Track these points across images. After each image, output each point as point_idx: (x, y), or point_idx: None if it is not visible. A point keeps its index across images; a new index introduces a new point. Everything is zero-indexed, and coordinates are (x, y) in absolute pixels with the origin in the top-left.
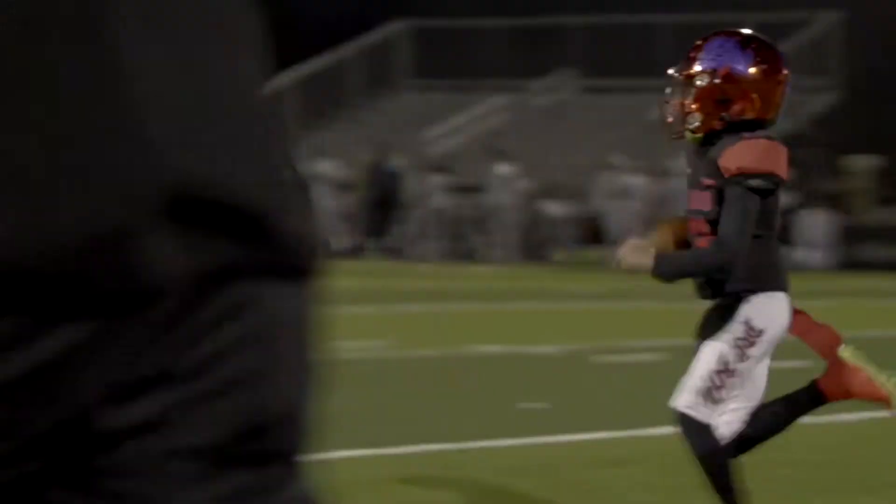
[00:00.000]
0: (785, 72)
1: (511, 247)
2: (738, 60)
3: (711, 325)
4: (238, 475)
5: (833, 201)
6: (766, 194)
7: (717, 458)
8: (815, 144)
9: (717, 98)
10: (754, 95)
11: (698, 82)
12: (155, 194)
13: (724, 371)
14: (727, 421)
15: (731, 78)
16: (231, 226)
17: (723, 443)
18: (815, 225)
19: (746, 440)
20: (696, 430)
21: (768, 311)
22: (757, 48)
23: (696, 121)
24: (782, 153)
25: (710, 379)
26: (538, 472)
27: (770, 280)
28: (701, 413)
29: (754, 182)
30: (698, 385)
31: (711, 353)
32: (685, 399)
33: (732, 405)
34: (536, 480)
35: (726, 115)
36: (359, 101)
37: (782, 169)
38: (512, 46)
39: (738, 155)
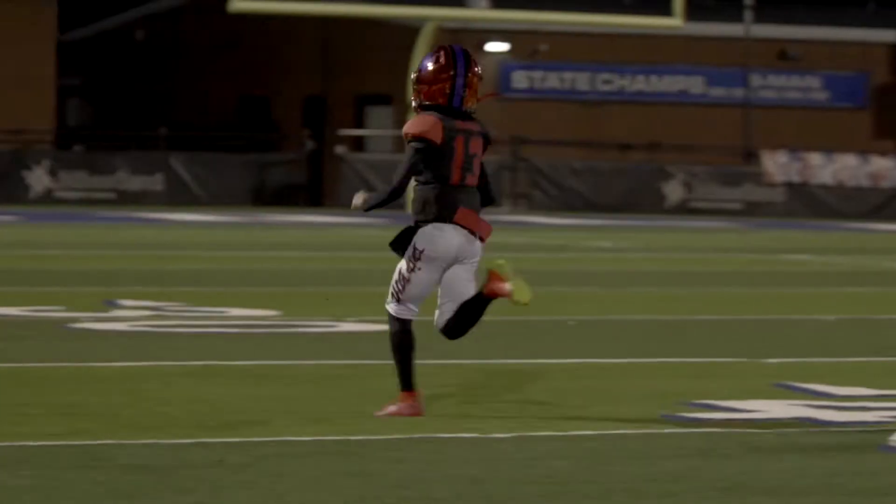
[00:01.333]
0: (451, 72)
1: None
2: (425, 63)
3: (404, 245)
4: None
5: None
6: (424, 152)
7: (400, 341)
8: None
9: (415, 88)
10: (426, 87)
11: (412, 77)
12: None
13: (401, 279)
14: (440, 313)
15: (419, 76)
16: None
17: (407, 329)
18: None
19: (454, 326)
20: (390, 318)
21: (430, 237)
22: (438, 53)
23: (413, 103)
24: (436, 125)
25: (394, 285)
26: None
27: (437, 214)
28: (391, 307)
29: (412, 143)
30: (390, 289)
31: (398, 266)
32: (387, 298)
33: (444, 303)
34: None
35: (419, 100)
36: None
37: (433, 135)
38: None
39: (407, 125)
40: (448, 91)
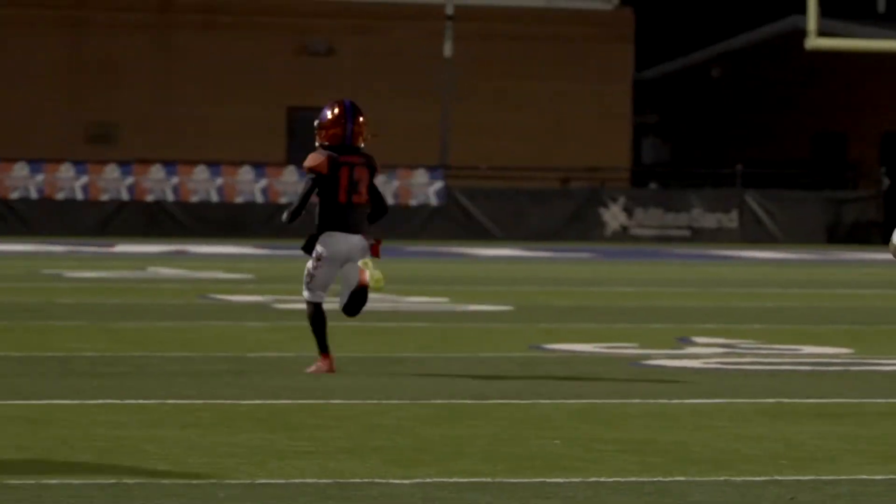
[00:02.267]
0: (343, 120)
1: None
2: (325, 113)
3: (311, 248)
4: None
5: None
6: (315, 181)
7: (314, 318)
8: None
9: (317, 132)
10: (324, 132)
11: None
12: None
13: (309, 274)
14: (341, 298)
15: (320, 123)
16: None
17: (319, 310)
18: None
19: (349, 307)
20: (306, 303)
21: (325, 243)
22: (334, 107)
23: (318, 141)
24: (324, 160)
25: (305, 278)
26: None
27: (331, 225)
28: (306, 294)
29: (308, 175)
30: (304, 280)
31: (307, 264)
32: (302, 288)
33: (343, 291)
34: None
35: (320, 141)
36: None
37: (321, 168)
38: None
39: (307, 159)
40: (341, 134)
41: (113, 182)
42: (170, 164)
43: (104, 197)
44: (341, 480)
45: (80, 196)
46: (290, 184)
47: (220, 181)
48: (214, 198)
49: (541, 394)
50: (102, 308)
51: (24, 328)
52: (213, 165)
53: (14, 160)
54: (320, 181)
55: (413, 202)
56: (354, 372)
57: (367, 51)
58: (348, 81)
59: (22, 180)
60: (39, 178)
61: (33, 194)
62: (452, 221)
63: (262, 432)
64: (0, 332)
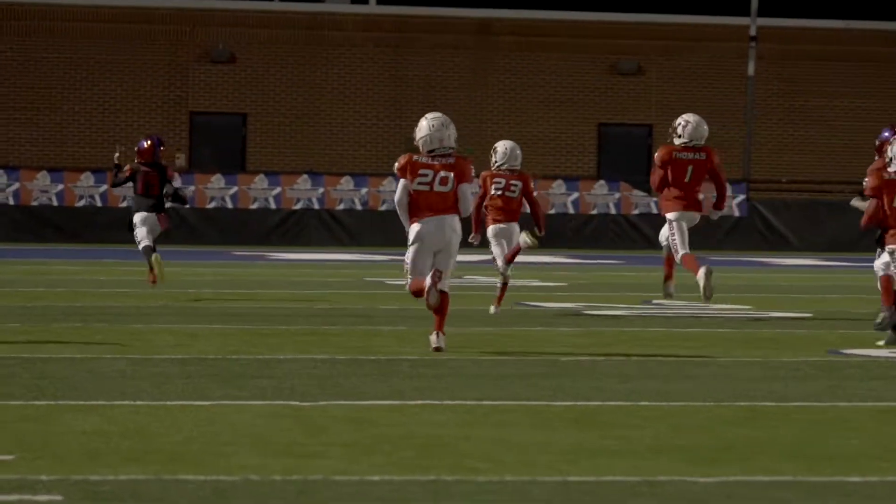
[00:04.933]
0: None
1: None
2: (141, 143)
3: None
4: None
5: None
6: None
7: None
8: None
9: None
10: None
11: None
12: None
13: (407, 262)
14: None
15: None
16: None
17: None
18: None
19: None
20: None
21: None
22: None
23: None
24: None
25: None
26: None
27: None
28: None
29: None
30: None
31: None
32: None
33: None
34: None
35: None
36: None
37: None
38: None
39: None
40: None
41: None
42: None
43: None
44: (649, 478)
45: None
46: (599, 196)
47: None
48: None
49: (839, 396)
50: (424, 314)
51: (350, 333)
52: None
53: (341, 174)
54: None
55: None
56: (664, 375)
57: (674, 70)
58: (655, 99)
59: (348, 193)
60: (364, 191)
61: (358, 206)
62: (754, 232)
63: (573, 432)
64: (329, 336)
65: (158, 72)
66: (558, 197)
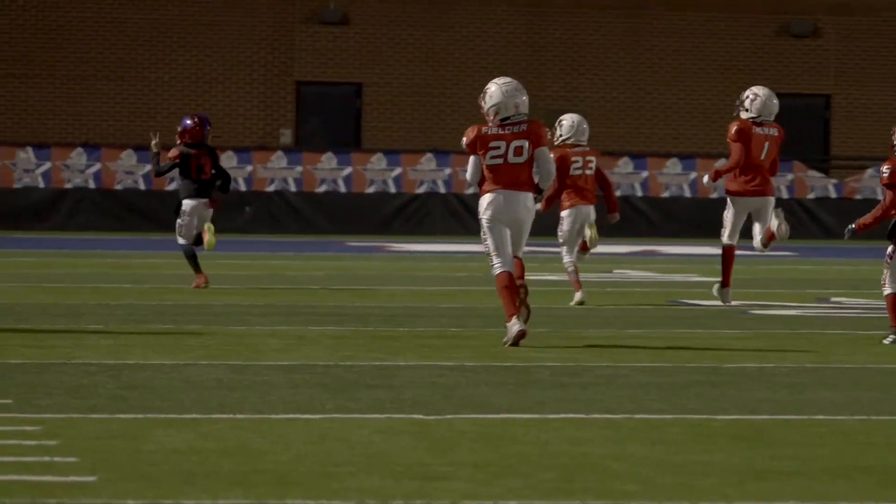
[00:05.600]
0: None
1: None
2: (185, 122)
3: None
4: None
5: None
6: (177, 164)
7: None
8: None
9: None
10: (187, 134)
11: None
12: None
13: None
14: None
15: (183, 129)
16: None
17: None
18: None
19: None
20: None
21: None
22: (192, 118)
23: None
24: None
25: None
26: None
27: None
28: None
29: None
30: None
31: None
32: None
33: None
34: None
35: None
36: None
37: (174, 156)
38: None
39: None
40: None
41: None
42: (638, 158)
43: None
44: (827, 503)
45: None
46: None
47: (692, 175)
48: (687, 193)
49: None
50: (567, 314)
51: (481, 335)
52: (686, 159)
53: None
54: (180, 163)
55: None
56: (844, 384)
57: (852, 31)
58: (833, 66)
59: None
60: None
61: None
62: None
63: (739, 450)
64: (457, 340)
65: (260, 35)
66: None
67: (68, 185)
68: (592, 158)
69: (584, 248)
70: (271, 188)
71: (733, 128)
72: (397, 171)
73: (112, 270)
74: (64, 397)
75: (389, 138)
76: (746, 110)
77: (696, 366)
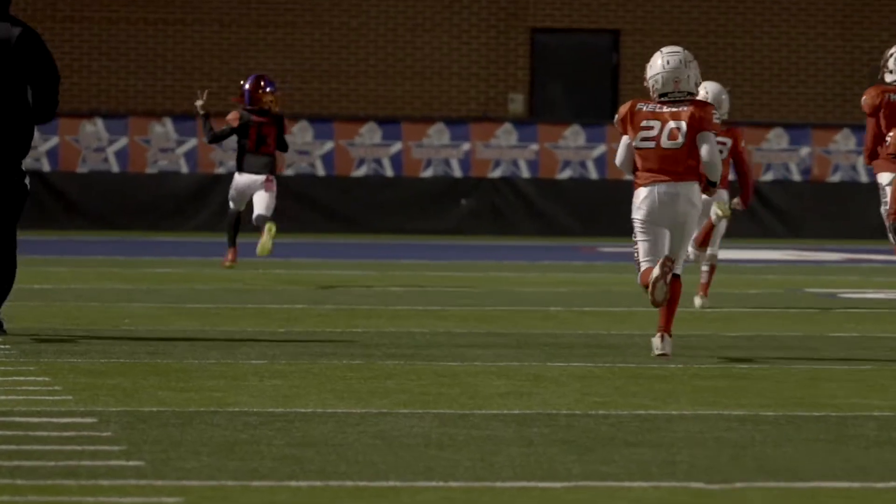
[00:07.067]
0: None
1: None
2: (245, 86)
3: None
4: None
5: None
6: (232, 130)
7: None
8: None
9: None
10: (243, 99)
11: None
12: None
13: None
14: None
15: (243, 92)
16: None
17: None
18: None
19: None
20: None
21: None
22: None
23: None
24: (235, 117)
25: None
26: None
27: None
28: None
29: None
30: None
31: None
32: None
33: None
34: None
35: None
36: None
37: (232, 122)
38: None
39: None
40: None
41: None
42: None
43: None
44: None
45: None
46: None
47: None
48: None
49: None
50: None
51: (781, 373)
52: None
53: (769, 125)
54: (237, 130)
55: None
56: None
57: None
58: None
59: (779, 155)
60: (804, 150)
61: (795, 175)
62: None
63: None
64: (746, 380)
65: None
66: None
67: (220, 170)
68: (726, 140)
69: (704, 243)
70: (496, 173)
71: (864, 100)
72: None
73: (280, 286)
74: (214, 458)
75: None
76: (891, 71)
77: None
